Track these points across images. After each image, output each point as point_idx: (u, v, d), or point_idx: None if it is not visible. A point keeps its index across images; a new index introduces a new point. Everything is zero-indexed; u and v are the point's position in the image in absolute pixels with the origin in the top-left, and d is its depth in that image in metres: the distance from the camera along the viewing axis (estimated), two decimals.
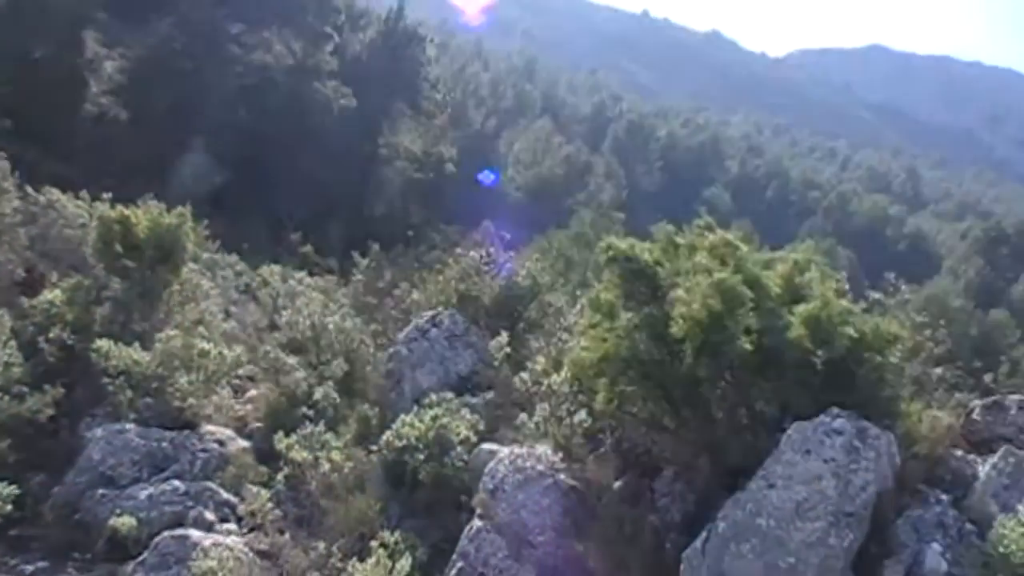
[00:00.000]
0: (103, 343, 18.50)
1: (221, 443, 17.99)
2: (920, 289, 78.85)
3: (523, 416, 15.26)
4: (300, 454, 15.60)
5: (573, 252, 42.90)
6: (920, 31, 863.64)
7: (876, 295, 16.21)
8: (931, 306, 71.52)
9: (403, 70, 72.35)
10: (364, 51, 71.26)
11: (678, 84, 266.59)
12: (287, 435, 16.31)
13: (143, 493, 15.91)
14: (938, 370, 16.44)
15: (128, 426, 17.42)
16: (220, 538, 14.54)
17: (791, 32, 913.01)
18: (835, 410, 11.88)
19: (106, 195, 23.46)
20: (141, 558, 14.08)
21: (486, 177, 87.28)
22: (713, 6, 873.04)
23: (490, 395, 17.64)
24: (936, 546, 11.46)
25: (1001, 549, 10.96)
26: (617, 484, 14.02)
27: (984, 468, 13.06)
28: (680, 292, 12.49)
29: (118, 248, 21.46)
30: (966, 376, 17.54)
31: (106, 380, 18.16)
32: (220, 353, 19.57)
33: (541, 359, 15.93)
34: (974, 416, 14.52)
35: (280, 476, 15.99)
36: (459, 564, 13.42)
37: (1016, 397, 14.76)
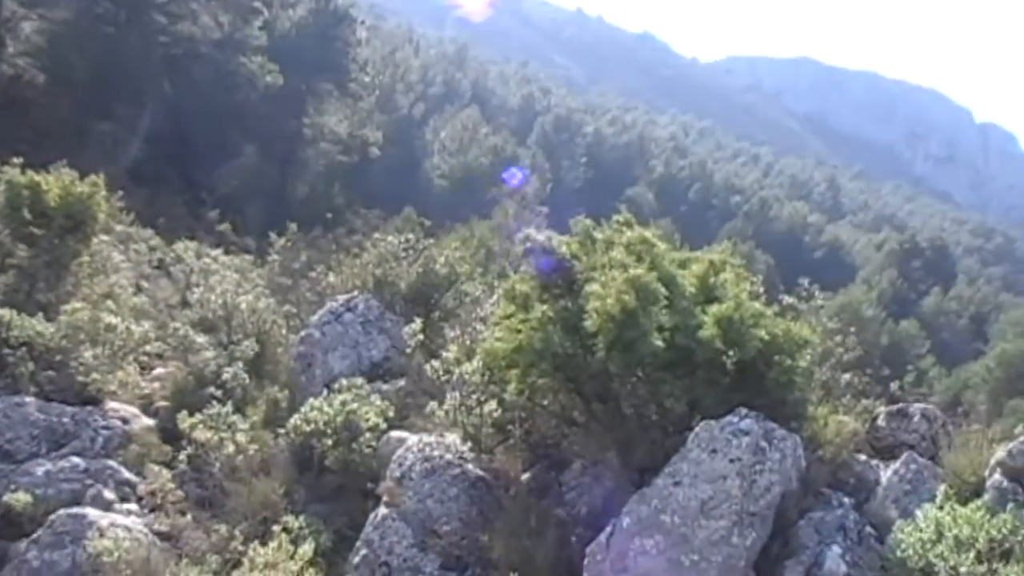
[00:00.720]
0: (5, 312, 17.84)
1: (125, 420, 17.51)
2: (835, 297, 79.85)
3: (432, 404, 15.16)
4: (204, 434, 15.30)
5: (495, 243, 42.80)
6: (849, 46, 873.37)
7: (789, 299, 16.31)
8: (845, 314, 72.55)
9: (332, 50, 71.38)
10: (293, 28, 70.18)
11: (608, 82, 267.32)
12: (192, 415, 15.99)
13: (40, 469, 15.39)
14: (847, 376, 16.61)
15: (28, 399, 16.76)
16: (119, 518, 14.15)
17: (722, 39, 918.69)
18: (743, 410, 11.91)
19: (17, 159, 22.72)
20: (35, 536, 13.62)
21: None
22: (647, 8, 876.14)
23: (402, 382, 17.50)
24: (836, 548, 11.56)
25: (898, 553, 11.08)
26: (525, 476, 14.00)
27: (886, 474, 13.21)
28: (595, 286, 12.43)
29: (26, 215, 20.84)
30: (874, 383, 17.74)
31: (7, 351, 17.50)
32: (127, 328, 19.12)
33: (453, 347, 15.77)
34: (879, 422, 14.69)
35: (182, 456, 15.64)
36: (363, 551, 13.29)
37: (920, 406, 14.97)
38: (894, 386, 17.87)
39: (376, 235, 23.29)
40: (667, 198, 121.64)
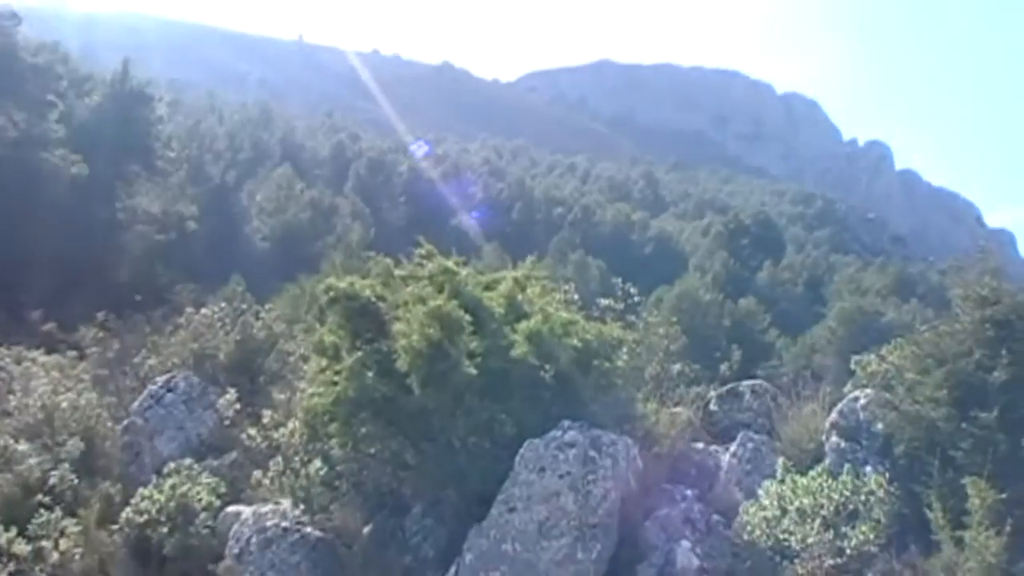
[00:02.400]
0: None
1: None
2: (672, 288, 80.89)
3: (256, 473, 14.70)
4: (21, 548, 14.57)
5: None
6: (644, 42, 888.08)
7: (606, 302, 16.28)
8: (684, 302, 73.62)
9: (134, 131, 69.46)
10: (91, 116, 68.36)
11: (414, 118, 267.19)
12: (23, 527, 15.24)
13: None
14: (677, 366, 16.62)
15: None
16: None
17: (520, 56, 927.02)
18: (566, 423, 11.74)
19: None
20: None
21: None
22: (441, 38, 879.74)
23: (234, 455, 16.97)
24: (685, 543, 11.43)
25: (745, 536, 11.01)
26: (368, 529, 13.59)
27: (726, 457, 13.20)
28: (400, 324, 12.17)
29: None
30: (704, 368, 17.85)
31: None
32: None
33: (267, 412, 15.31)
34: (712, 407, 14.73)
35: (5, 574, 14.85)
36: None
37: (749, 383, 15.07)
38: (723, 367, 17.93)
39: (188, 309, 22.59)
40: (491, 221, 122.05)
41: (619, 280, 17.19)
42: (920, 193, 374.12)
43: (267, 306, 21.50)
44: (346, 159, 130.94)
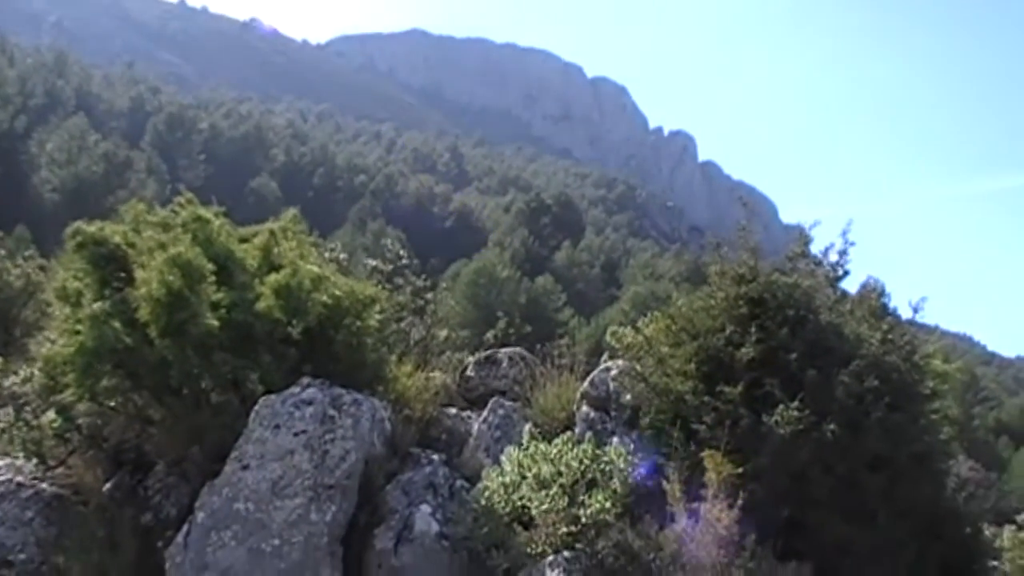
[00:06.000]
0: None
1: None
2: (470, 262, 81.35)
3: None
4: None
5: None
6: (457, 14, 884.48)
7: (374, 263, 16.14)
8: (481, 277, 74.01)
9: None
10: None
11: (219, 74, 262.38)
12: None
13: None
14: (444, 332, 16.57)
15: None
16: None
17: (330, 18, 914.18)
18: (305, 380, 11.48)
19: None
20: None
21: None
22: None
23: None
24: (425, 507, 11.26)
25: (483, 501, 10.95)
26: (108, 486, 13.08)
27: (476, 423, 13.16)
28: (142, 272, 11.68)
29: None
30: (473, 336, 17.83)
31: None
32: None
33: None
34: (468, 373, 14.67)
35: None
36: None
37: (507, 350, 15.05)
38: (488, 335, 17.89)
39: None
40: (292, 186, 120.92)
41: (388, 241, 17.08)
42: (720, 185, 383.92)
43: (26, 253, 20.59)
44: (144, 113, 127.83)
